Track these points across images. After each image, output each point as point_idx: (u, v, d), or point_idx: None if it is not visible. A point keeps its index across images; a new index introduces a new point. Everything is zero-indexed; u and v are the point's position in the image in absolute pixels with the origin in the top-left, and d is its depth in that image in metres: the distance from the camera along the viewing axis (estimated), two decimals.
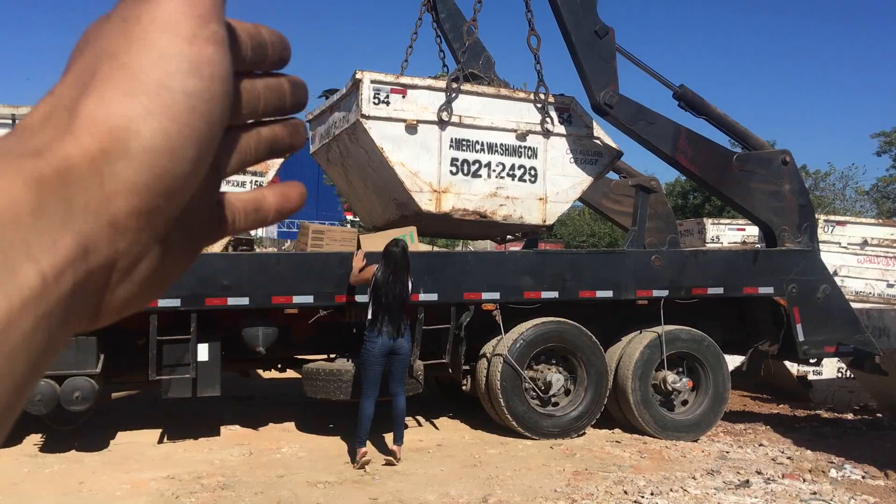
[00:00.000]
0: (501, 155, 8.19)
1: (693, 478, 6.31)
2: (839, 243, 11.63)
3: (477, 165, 8.08)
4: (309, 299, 6.93)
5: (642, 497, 5.72)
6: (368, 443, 6.71)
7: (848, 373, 10.58)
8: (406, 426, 7.85)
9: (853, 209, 31.19)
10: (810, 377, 10.79)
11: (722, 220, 14.58)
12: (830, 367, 10.50)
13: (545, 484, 6.07)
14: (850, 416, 9.63)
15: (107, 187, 0.35)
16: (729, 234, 14.25)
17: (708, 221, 14.33)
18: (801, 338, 8.00)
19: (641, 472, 6.43)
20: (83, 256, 0.35)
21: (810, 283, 8.10)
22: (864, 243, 11.63)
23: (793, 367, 10.52)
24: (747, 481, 6.15)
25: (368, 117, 7.56)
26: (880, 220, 13.09)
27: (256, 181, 7.38)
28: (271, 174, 7.47)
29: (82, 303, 0.36)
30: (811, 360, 8.55)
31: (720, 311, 8.47)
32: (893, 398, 9.34)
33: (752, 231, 14.21)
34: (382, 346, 6.51)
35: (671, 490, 5.90)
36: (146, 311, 6.58)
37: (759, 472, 6.51)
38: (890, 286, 11.64)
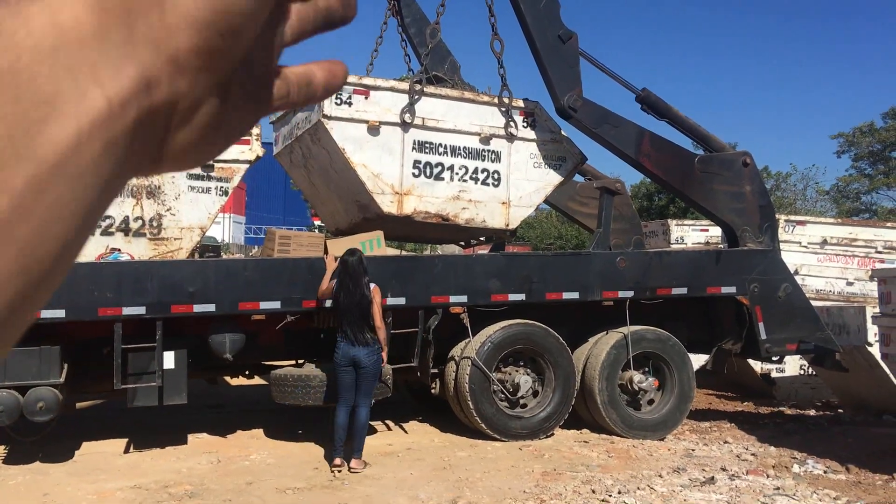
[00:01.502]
0: (465, 158, 8.24)
1: (660, 476, 6.39)
2: (800, 242, 11.87)
3: (440, 168, 8.12)
4: (276, 305, 6.90)
5: (610, 496, 5.78)
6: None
7: (810, 370, 10.79)
8: (374, 431, 7.88)
9: (814, 209, 31.81)
10: (773, 375, 10.98)
11: (686, 222, 14.81)
12: (793, 365, 10.70)
13: (514, 485, 6.12)
14: (812, 413, 9.82)
15: (168, 19, 0.34)
16: (693, 234, 14.48)
17: (672, 223, 14.54)
18: (763, 336, 8.14)
19: (609, 472, 6.51)
20: (146, 90, 0.34)
21: (772, 282, 8.25)
22: (824, 242, 11.88)
23: (756, 365, 10.70)
24: (712, 478, 6.25)
25: (330, 117, 7.56)
26: (839, 220, 13.39)
27: (222, 187, 7.34)
28: (237, 179, 7.44)
29: (144, 142, 0.35)
30: (773, 358, 8.71)
31: (685, 311, 8.59)
32: (854, 394, 9.56)
33: (716, 232, 14.41)
34: (345, 355, 6.46)
35: (638, 488, 5.98)
36: (110, 320, 6.52)
37: (723, 469, 6.62)
38: (849, 284, 11.90)
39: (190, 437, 7.64)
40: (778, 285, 8.27)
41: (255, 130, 7.48)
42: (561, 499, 5.76)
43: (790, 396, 10.86)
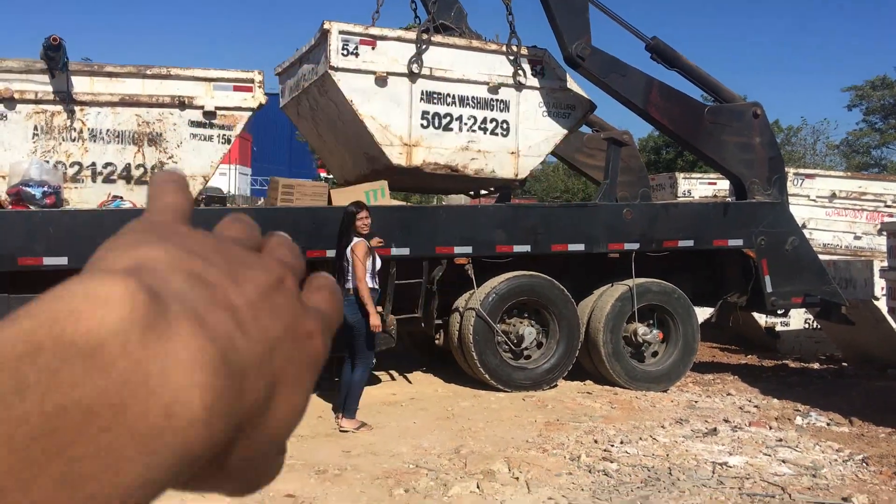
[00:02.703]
0: (473, 108, 8.11)
1: (662, 427, 6.41)
2: (808, 196, 11.74)
3: (448, 119, 8.00)
4: None
5: (612, 446, 5.80)
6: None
7: (814, 323, 10.78)
8: (378, 381, 7.92)
9: (823, 164, 31.50)
10: (778, 328, 10.97)
11: (693, 175, 14.68)
12: (797, 318, 10.68)
13: (517, 435, 6.14)
14: (816, 366, 9.83)
15: None
16: (700, 188, 14.35)
17: (679, 176, 14.40)
18: (769, 289, 8.10)
19: (612, 422, 6.53)
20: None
21: (779, 235, 8.17)
22: (833, 196, 11.76)
23: (760, 319, 10.70)
24: (715, 429, 6.27)
25: (337, 69, 7.43)
26: (848, 174, 13.23)
27: (224, 135, 7.24)
28: (239, 127, 7.32)
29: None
30: (779, 311, 8.68)
31: (690, 264, 8.54)
32: (858, 348, 9.55)
33: (724, 185, 14.29)
34: None
35: (640, 439, 6.00)
36: None
37: (726, 421, 6.63)
38: (857, 238, 11.81)
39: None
40: (785, 238, 8.19)
41: (258, 78, 7.35)
42: (563, 448, 5.78)
43: (794, 350, 10.87)
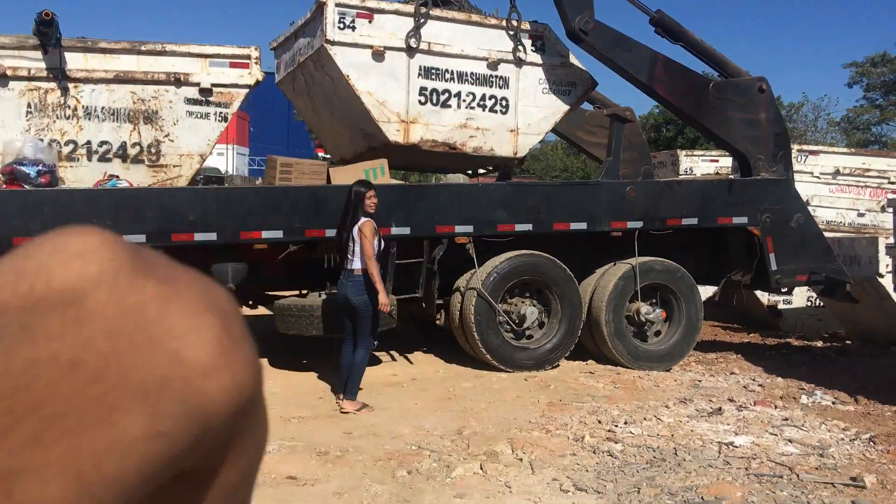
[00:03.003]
0: (472, 84, 7.99)
1: (666, 406, 6.35)
2: (812, 173, 11.63)
3: (446, 95, 7.87)
4: (279, 234, 6.77)
5: (616, 426, 5.74)
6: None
7: (817, 301, 10.71)
8: (379, 361, 7.86)
9: (824, 140, 31.34)
10: (780, 306, 10.91)
11: (696, 152, 14.55)
12: (800, 296, 10.61)
13: (520, 415, 6.08)
14: (819, 344, 9.77)
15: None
16: (702, 165, 14.22)
17: (681, 153, 14.27)
18: (773, 267, 8.02)
19: (615, 402, 6.47)
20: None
21: (784, 212, 8.08)
22: (836, 173, 11.64)
23: (763, 297, 10.63)
24: (720, 409, 6.21)
25: (333, 43, 7.29)
26: (852, 150, 13.11)
27: (221, 112, 7.12)
28: (236, 105, 7.20)
29: None
30: (783, 290, 8.60)
31: (693, 242, 8.45)
32: (862, 326, 9.49)
33: (726, 162, 14.17)
34: (340, 292, 6.16)
35: (644, 419, 5.94)
36: None
37: (731, 400, 6.58)
38: (860, 215, 11.72)
39: None
40: (790, 215, 8.10)
41: (255, 54, 7.21)
42: (567, 429, 5.72)
43: (796, 328, 10.80)
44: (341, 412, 6.21)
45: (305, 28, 7.83)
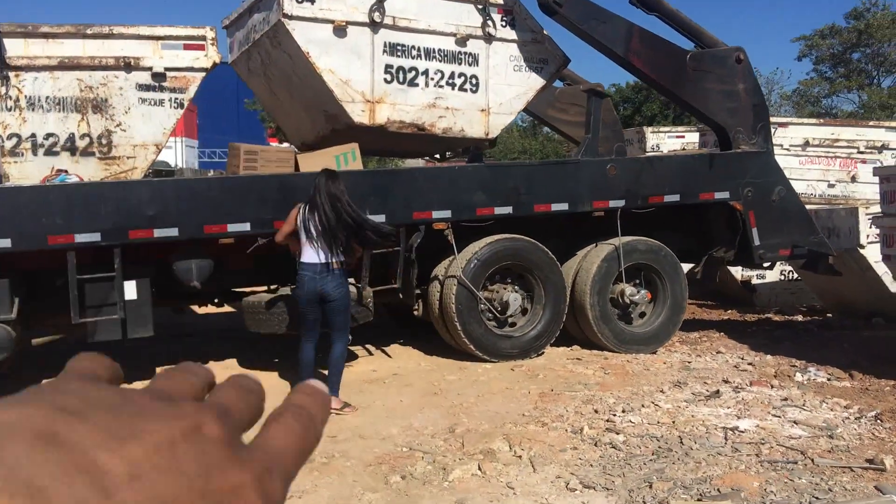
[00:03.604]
0: (440, 62, 7.60)
1: (661, 391, 6.11)
2: (781, 145, 11.49)
3: (413, 73, 7.48)
4: (245, 227, 6.34)
5: (614, 415, 5.47)
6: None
7: (791, 275, 10.62)
8: (356, 357, 7.49)
9: (779, 114, 31.60)
10: (754, 281, 10.79)
11: (662, 129, 14.38)
12: (774, 271, 10.50)
13: (512, 408, 5.78)
14: (800, 318, 9.67)
15: None
16: (669, 142, 14.09)
17: (648, 130, 14.10)
18: (756, 242, 7.83)
19: (608, 390, 6.20)
20: None
21: (765, 185, 7.89)
22: (806, 144, 11.55)
23: (737, 272, 10.50)
24: (717, 391, 5.99)
25: (291, 17, 6.85)
26: (822, 121, 13.04)
27: (176, 98, 6.64)
28: (192, 90, 6.72)
29: None
30: (765, 265, 8.43)
31: (673, 220, 8.22)
32: (842, 297, 9.40)
33: (692, 139, 14.07)
34: (310, 292, 5.71)
35: (642, 406, 5.68)
36: (62, 248, 5.92)
37: (725, 381, 6.36)
38: (831, 186, 11.66)
39: (158, 370, 7.14)
40: (772, 188, 7.91)
41: (210, 34, 6.74)
42: (563, 420, 5.44)
43: (771, 303, 10.70)
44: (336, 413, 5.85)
45: (260, 2, 7.36)
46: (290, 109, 8.14)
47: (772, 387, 6.22)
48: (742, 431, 5.09)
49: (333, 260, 5.71)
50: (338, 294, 5.72)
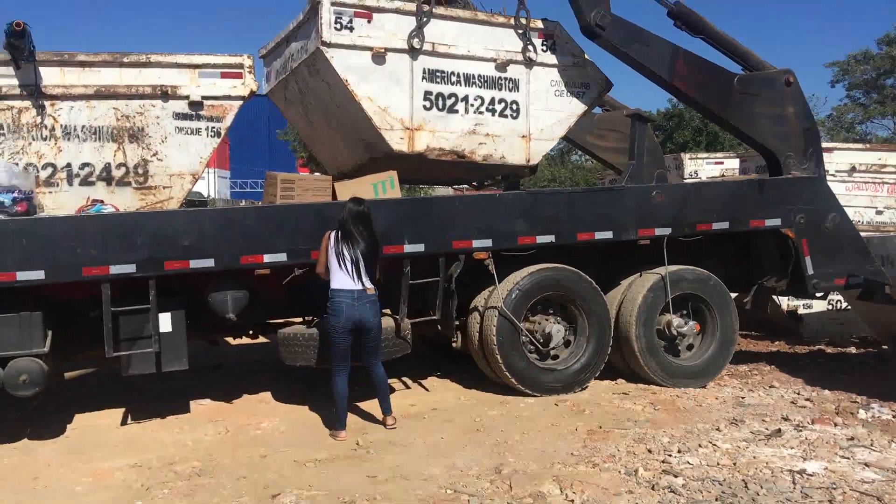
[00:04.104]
0: (480, 87, 7.45)
1: (717, 429, 5.79)
2: (827, 171, 11.14)
3: (453, 99, 7.33)
4: (282, 257, 6.17)
5: (670, 456, 5.17)
6: (356, 412, 6.08)
7: (839, 304, 10.23)
8: (392, 390, 7.24)
9: None
10: (800, 311, 10.41)
11: (700, 155, 14.07)
12: (821, 300, 10.12)
13: (559, 447, 5.50)
14: (853, 350, 9.27)
15: None
16: (707, 168, 13.74)
17: (685, 156, 13.79)
18: (810, 271, 7.51)
19: (660, 427, 5.89)
20: None
21: (818, 212, 7.59)
22: (852, 170, 11.19)
23: (783, 301, 10.14)
24: (778, 430, 5.65)
25: (330, 45, 6.73)
26: (867, 146, 12.68)
27: (213, 127, 6.53)
28: (230, 118, 6.60)
29: None
30: (818, 294, 8.09)
31: (720, 248, 7.93)
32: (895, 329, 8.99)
33: (731, 165, 13.73)
34: (349, 317, 5.78)
35: (699, 446, 5.37)
36: (96, 280, 5.78)
37: (785, 419, 6.03)
38: (879, 213, 11.27)
39: (192, 403, 6.98)
40: (825, 215, 7.61)
41: (248, 62, 6.63)
42: (615, 461, 5.14)
43: (818, 333, 10.32)
44: (388, 428, 6.05)
45: (298, 31, 7.26)
46: (326, 138, 8.02)
47: (835, 425, 5.87)
48: (810, 475, 4.76)
49: (368, 285, 5.81)
50: (376, 320, 5.89)
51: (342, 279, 5.81)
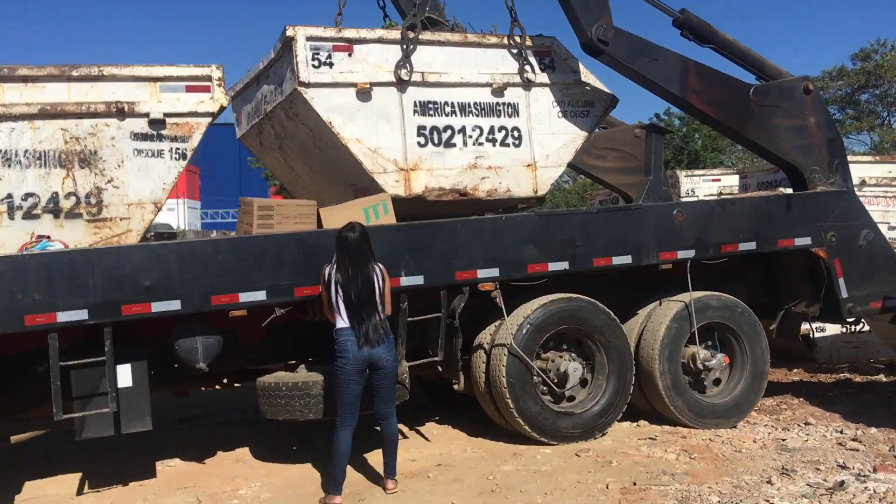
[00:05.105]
0: (477, 116, 6.73)
1: (769, 482, 5.03)
2: None
3: (449, 132, 6.60)
4: (261, 296, 5.34)
5: None
6: (350, 468, 5.23)
7: (853, 327, 9.59)
8: None
9: None
10: (815, 336, 9.75)
11: (696, 172, 13.52)
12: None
13: None
14: (883, 379, 8.60)
15: None
16: (704, 185, 13.21)
17: (681, 173, 13.23)
18: (844, 294, 6.84)
19: (703, 481, 5.11)
20: None
21: (850, 228, 6.94)
22: (863, 183, 10.63)
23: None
24: (842, 483, 4.90)
25: (309, 85, 5.98)
26: (877, 158, 12.18)
27: (178, 148, 5.72)
28: (197, 138, 5.80)
29: None
30: (849, 319, 7.43)
31: (742, 270, 7.24)
32: None
33: (729, 182, 13.19)
34: (358, 358, 4.98)
35: None
36: (42, 329, 4.92)
37: (843, 467, 5.29)
38: (892, 228, 10.70)
39: (159, 465, 6.09)
40: (858, 232, 6.96)
41: (217, 73, 5.84)
42: None
43: (832, 358, 9.65)
44: (388, 493, 5.19)
45: (270, 70, 6.52)
46: (309, 184, 7.25)
47: None
48: None
49: (379, 320, 5.08)
50: (390, 357, 5.13)
51: (346, 316, 5.04)
